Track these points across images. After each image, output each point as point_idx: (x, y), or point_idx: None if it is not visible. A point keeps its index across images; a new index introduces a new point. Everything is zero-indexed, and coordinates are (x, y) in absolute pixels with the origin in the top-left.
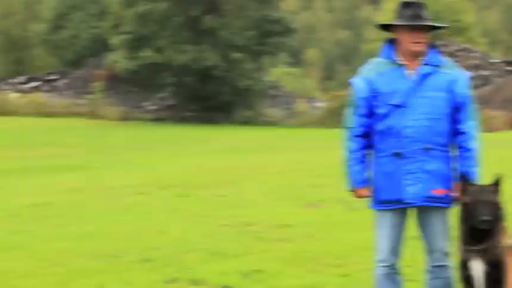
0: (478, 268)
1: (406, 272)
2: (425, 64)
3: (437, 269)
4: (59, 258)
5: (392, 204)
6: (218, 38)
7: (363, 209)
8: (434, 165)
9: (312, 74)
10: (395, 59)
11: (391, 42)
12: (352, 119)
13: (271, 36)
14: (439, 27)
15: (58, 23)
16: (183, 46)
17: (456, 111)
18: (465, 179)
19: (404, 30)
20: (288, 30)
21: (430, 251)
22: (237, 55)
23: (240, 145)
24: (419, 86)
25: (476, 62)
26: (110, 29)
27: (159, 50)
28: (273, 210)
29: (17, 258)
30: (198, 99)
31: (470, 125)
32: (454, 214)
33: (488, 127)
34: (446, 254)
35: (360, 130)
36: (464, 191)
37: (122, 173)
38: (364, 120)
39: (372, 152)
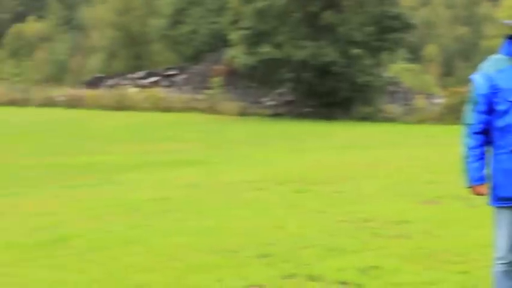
0: None
1: None
2: None
3: None
4: (177, 253)
5: (511, 202)
6: (337, 34)
7: (482, 205)
8: None
9: (431, 70)
10: None
11: (511, 39)
12: (471, 115)
13: (390, 32)
14: None
15: (177, 18)
16: (302, 42)
17: None
18: None
19: None
20: (407, 26)
21: None
22: (356, 51)
23: (358, 141)
24: None
25: None
26: (228, 24)
27: (277, 45)
28: (391, 206)
29: (135, 253)
30: (316, 95)
31: None
32: None
33: None
34: None
35: (479, 127)
36: None
37: (240, 168)
38: (484, 117)
39: (491, 149)
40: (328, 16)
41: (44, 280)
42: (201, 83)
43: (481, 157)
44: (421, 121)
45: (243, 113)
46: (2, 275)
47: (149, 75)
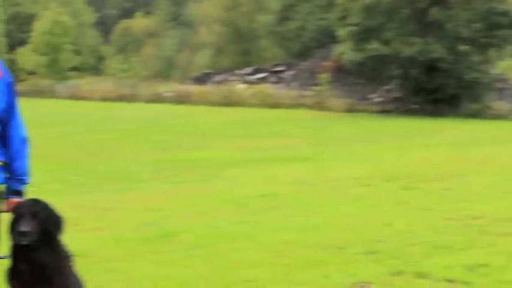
0: None
1: None
2: None
3: None
4: (285, 249)
5: None
6: (445, 30)
7: None
8: None
9: None
10: None
11: None
12: None
13: (498, 28)
14: None
15: (285, 14)
16: (410, 38)
17: None
18: None
19: None
20: None
21: None
22: (463, 47)
23: (466, 138)
24: None
25: None
26: (336, 20)
27: (385, 42)
28: (499, 203)
29: (242, 248)
30: (423, 91)
31: None
32: None
33: None
34: None
35: None
36: None
37: (348, 165)
38: None
39: None
40: (435, 12)
41: (150, 275)
42: (308, 80)
43: None
44: None
45: (350, 110)
46: (109, 270)
47: (257, 71)
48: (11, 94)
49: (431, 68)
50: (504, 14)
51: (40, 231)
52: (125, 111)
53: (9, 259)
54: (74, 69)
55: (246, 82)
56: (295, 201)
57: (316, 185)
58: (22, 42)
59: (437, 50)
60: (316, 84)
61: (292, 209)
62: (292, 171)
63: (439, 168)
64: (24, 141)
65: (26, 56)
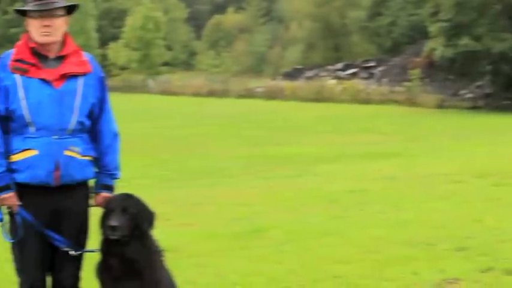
0: None
1: None
2: None
3: None
4: (374, 245)
5: None
6: None
7: None
8: None
9: None
10: None
11: None
12: None
13: None
14: None
15: (376, 10)
16: (501, 34)
17: None
18: None
19: None
20: None
21: None
22: None
23: None
24: None
25: None
26: (428, 16)
27: (476, 38)
28: None
29: (332, 244)
30: None
31: None
32: None
33: None
34: None
35: None
36: None
37: (438, 161)
38: None
39: None
40: None
41: (240, 270)
42: (399, 75)
43: None
44: None
45: (441, 106)
46: (199, 265)
47: (347, 67)
48: (102, 89)
49: None
50: None
51: (130, 226)
52: (215, 106)
53: (99, 253)
54: (166, 64)
55: (336, 78)
56: (385, 197)
57: (406, 181)
58: (114, 38)
59: None
60: (407, 80)
61: (382, 205)
62: (382, 167)
63: None
64: (115, 136)
65: (117, 51)
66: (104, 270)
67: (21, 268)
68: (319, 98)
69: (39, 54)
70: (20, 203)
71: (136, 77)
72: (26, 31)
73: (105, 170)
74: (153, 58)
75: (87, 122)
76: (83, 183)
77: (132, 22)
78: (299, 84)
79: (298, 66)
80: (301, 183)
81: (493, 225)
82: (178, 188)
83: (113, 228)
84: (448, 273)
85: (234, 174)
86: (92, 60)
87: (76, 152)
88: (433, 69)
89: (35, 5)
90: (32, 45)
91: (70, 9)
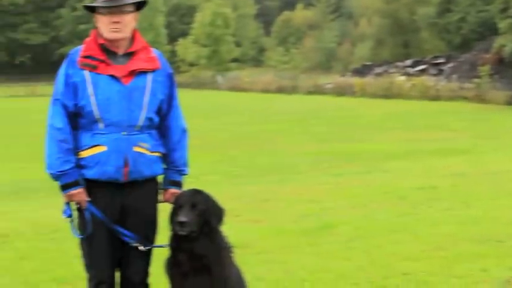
0: None
1: None
2: None
3: None
4: (443, 242)
5: None
6: None
7: None
8: None
9: None
10: None
11: None
12: None
13: None
14: None
15: (446, 6)
16: None
17: None
18: None
19: None
20: None
21: None
22: None
23: None
24: None
25: None
26: (497, 12)
27: None
28: None
29: (401, 241)
30: None
31: None
32: None
33: None
34: None
35: None
36: None
37: (507, 158)
38: None
39: None
40: None
41: (308, 267)
42: (468, 72)
43: None
44: None
45: (510, 102)
46: (268, 261)
47: (417, 63)
48: (171, 85)
49: None
50: None
51: (199, 222)
52: (284, 103)
53: (168, 249)
54: (235, 60)
55: (405, 74)
56: (454, 194)
57: (475, 177)
58: (183, 34)
59: None
60: (476, 77)
61: (451, 201)
62: (452, 164)
63: None
64: (183, 132)
65: (186, 48)
66: (172, 266)
67: (90, 264)
68: (388, 94)
69: (108, 50)
70: (88, 199)
71: (205, 73)
72: (95, 27)
73: (173, 166)
74: (222, 54)
75: (156, 118)
76: (152, 180)
77: (201, 18)
78: (368, 80)
79: (367, 63)
80: (370, 180)
81: None
82: (247, 184)
83: (182, 224)
84: None
85: (303, 170)
86: (161, 56)
87: (145, 148)
88: (502, 66)
89: (105, 1)
90: (101, 41)
91: (139, 6)
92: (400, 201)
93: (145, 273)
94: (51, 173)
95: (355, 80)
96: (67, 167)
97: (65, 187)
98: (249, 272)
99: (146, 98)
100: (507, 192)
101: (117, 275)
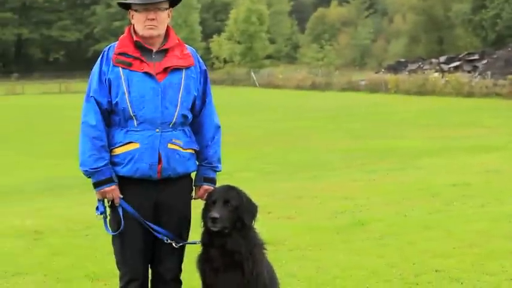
0: None
1: None
2: None
3: None
4: (476, 239)
5: None
6: None
7: None
8: None
9: None
10: None
11: None
12: None
13: None
14: None
15: (480, 2)
16: None
17: None
18: None
19: None
20: None
21: None
22: None
23: None
24: None
25: None
26: None
27: None
28: None
29: (434, 238)
30: None
31: None
32: None
33: None
34: None
35: None
36: None
37: None
38: None
39: None
40: None
41: (341, 264)
42: (503, 68)
43: None
44: None
45: None
46: (301, 258)
47: (451, 60)
48: (205, 82)
49: None
50: None
51: (232, 218)
52: (318, 99)
53: (201, 245)
54: (269, 57)
55: (439, 71)
56: (487, 191)
57: (509, 174)
58: (217, 31)
59: None
60: (511, 73)
61: (484, 198)
62: (485, 161)
63: None
64: (217, 128)
65: (220, 45)
66: (204, 262)
67: (123, 260)
68: (422, 91)
69: (142, 47)
70: (121, 196)
71: (239, 70)
72: (129, 24)
73: (207, 162)
74: (257, 51)
75: (190, 115)
76: (185, 176)
77: (235, 15)
78: (402, 77)
79: (402, 59)
80: (404, 177)
81: None
82: (280, 181)
83: (214, 219)
84: None
85: (336, 167)
86: (195, 53)
87: (179, 145)
88: None
89: None
90: (136, 38)
91: (173, 3)
92: (433, 198)
93: (177, 270)
94: (84, 170)
95: (389, 77)
96: (100, 164)
97: (98, 184)
98: (282, 268)
99: (180, 95)
100: None
101: (150, 271)
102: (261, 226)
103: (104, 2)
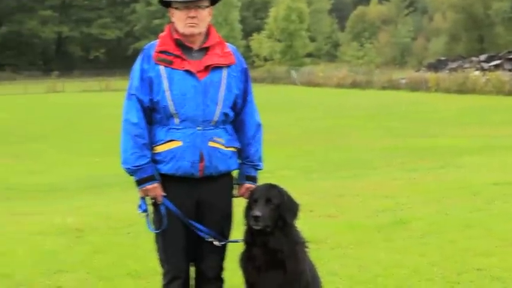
0: None
1: None
2: None
3: None
4: None
5: None
6: None
7: None
8: None
9: None
10: None
11: None
12: None
13: None
14: None
15: None
16: None
17: None
18: None
19: None
20: None
21: None
22: None
23: None
24: None
25: None
26: None
27: None
28: None
29: (475, 236)
30: None
31: None
32: None
33: None
34: None
35: None
36: None
37: None
38: None
39: None
40: None
41: (382, 262)
42: None
43: None
44: None
45: None
46: (342, 256)
47: (491, 58)
48: (246, 80)
49: None
50: None
51: (274, 217)
52: (359, 98)
53: (243, 244)
54: (309, 55)
55: (480, 69)
56: None
57: None
58: (257, 29)
59: None
60: None
61: None
62: None
63: None
64: (258, 126)
65: (261, 43)
66: (247, 260)
67: (165, 258)
68: (463, 89)
69: (183, 45)
70: (164, 194)
71: (279, 68)
72: (170, 22)
73: (248, 161)
74: (297, 49)
75: (231, 113)
76: (227, 174)
77: (275, 13)
78: (443, 75)
79: (442, 58)
80: (445, 175)
81: None
82: (321, 179)
83: (256, 218)
84: None
85: (377, 166)
86: (235, 51)
87: (220, 143)
88: None
89: None
90: (176, 36)
91: (214, 1)
92: (474, 196)
93: (220, 268)
94: (126, 168)
95: (430, 75)
96: (142, 162)
97: (140, 182)
98: (323, 267)
99: (221, 93)
100: None
101: (192, 269)
102: (303, 224)
103: (144, 0)
